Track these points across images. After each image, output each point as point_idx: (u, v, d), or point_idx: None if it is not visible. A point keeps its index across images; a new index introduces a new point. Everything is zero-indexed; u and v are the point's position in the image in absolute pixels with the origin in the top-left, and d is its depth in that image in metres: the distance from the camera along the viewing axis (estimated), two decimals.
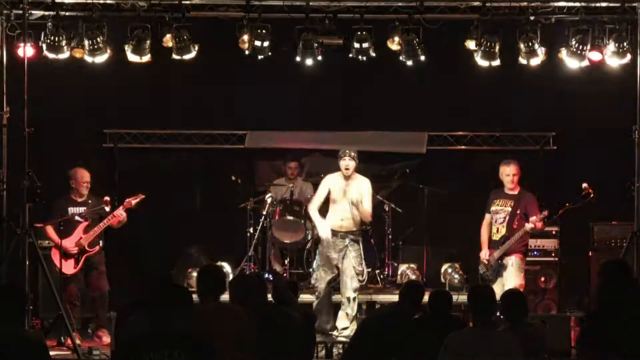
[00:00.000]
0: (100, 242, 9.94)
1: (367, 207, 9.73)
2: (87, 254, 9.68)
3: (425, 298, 7.27)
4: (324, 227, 9.79)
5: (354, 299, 9.72)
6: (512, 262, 9.57)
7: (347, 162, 9.72)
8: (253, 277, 7.48)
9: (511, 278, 9.51)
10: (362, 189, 9.76)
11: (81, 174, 9.91)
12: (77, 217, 9.76)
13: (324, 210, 10.01)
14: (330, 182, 9.91)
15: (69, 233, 9.71)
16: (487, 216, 9.84)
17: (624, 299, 5.66)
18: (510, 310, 6.60)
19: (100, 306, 9.69)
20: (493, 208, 9.77)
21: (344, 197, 9.73)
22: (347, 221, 9.73)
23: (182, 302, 5.24)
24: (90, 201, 9.91)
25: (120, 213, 9.76)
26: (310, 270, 10.30)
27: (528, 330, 6.51)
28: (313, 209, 9.98)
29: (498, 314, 6.78)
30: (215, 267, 6.68)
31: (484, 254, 9.71)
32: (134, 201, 9.85)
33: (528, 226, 9.47)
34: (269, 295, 7.09)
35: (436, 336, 6.23)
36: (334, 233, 9.75)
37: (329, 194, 9.88)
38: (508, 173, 9.71)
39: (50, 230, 9.72)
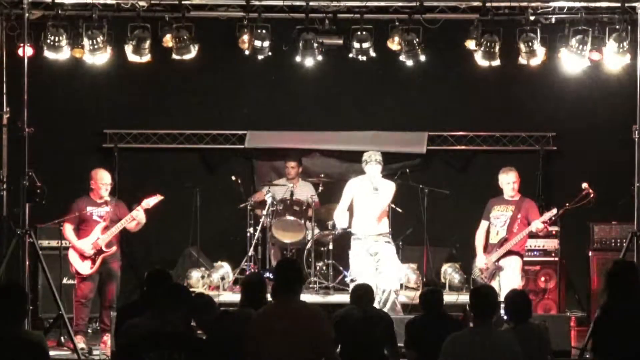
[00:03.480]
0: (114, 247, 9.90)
1: None
2: (104, 254, 9.65)
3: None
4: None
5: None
6: (511, 264, 9.58)
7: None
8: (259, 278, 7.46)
9: (510, 279, 9.51)
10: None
11: (101, 176, 9.78)
12: (95, 217, 9.74)
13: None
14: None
15: (87, 233, 9.70)
16: (484, 223, 9.83)
17: (634, 299, 5.67)
18: (514, 310, 6.60)
19: (106, 315, 9.66)
20: (493, 213, 9.77)
21: (371, 201, 9.65)
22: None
23: (181, 302, 5.24)
24: (110, 203, 9.83)
25: (137, 213, 9.74)
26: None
27: (531, 331, 6.52)
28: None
29: (502, 314, 6.80)
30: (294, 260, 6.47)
31: (481, 260, 9.70)
32: (151, 201, 9.80)
33: (533, 226, 9.47)
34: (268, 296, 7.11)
35: (433, 336, 6.24)
36: (365, 238, 9.69)
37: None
38: (508, 181, 9.72)
39: (68, 230, 9.70)
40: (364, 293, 7.49)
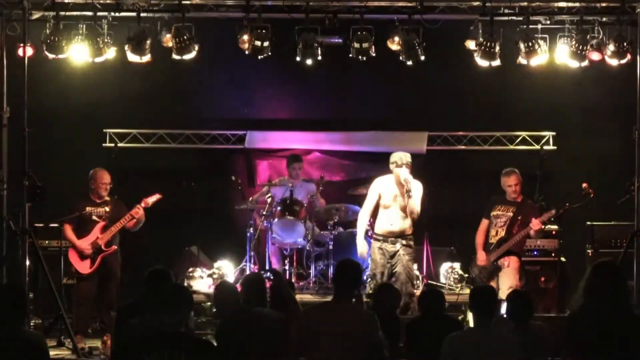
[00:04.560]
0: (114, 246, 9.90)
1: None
2: (103, 254, 9.67)
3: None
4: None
5: None
6: (509, 263, 9.57)
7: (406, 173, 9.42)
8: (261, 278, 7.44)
9: (508, 279, 9.50)
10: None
11: (101, 175, 9.84)
12: (94, 217, 9.75)
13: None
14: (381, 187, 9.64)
15: (86, 233, 9.72)
16: (485, 221, 9.83)
17: (608, 300, 5.64)
18: (515, 311, 6.60)
19: (106, 315, 9.67)
20: (494, 213, 9.77)
21: (396, 202, 9.59)
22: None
23: (181, 302, 5.24)
24: (110, 202, 9.85)
25: (137, 211, 9.76)
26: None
27: (532, 332, 6.51)
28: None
29: (504, 315, 6.79)
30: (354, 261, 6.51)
31: (481, 257, 9.71)
32: (150, 200, 9.83)
33: (532, 225, 9.46)
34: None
35: (433, 336, 6.24)
36: (384, 239, 9.59)
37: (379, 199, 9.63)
38: (510, 184, 9.71)
39: (68, 230, 9.72)
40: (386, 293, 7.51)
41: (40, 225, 10.21)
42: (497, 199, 9.85)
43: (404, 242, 9.51)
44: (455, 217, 11.19)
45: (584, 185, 9.48)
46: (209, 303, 10.21)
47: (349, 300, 6.00)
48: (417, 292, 9.66)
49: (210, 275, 10.92)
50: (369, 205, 9.63)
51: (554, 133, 11.74)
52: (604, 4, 9.49)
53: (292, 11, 9.57)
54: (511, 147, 11.80)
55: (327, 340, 5.74)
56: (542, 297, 10.72)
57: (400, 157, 9.49)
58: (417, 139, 11.90)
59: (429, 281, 11.10)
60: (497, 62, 9.63)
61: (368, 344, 5.80)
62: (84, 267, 9.67)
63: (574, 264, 10.99)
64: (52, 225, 10.17)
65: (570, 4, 9.53)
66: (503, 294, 8.76)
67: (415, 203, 9.44)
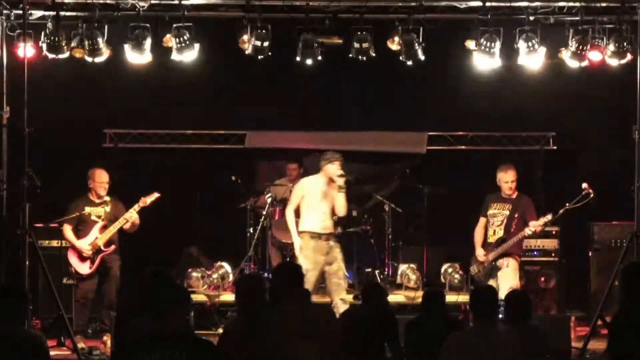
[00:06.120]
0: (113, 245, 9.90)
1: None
2: (102, 254, 9.67)
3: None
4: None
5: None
6: (508, 264, 9.57)
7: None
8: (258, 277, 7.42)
9: (507, 279, 9.50)
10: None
11: (99, 174, 9.87)
12: (93, 217, 9.75)
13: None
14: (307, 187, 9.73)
15: (85, 233, 9.71)
16: (482, 219, 9.83)
17: None
18: (513, 311, 6.60)
19: (106, 315, 9.66)
20: (490, 212, 9.76)
21: (325, 200, 9.62)
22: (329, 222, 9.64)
23: (181, 302, 5.24)
24: (109, 203, 9.84)
25: (131, 215, 9.74)
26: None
27: (530, 331, 6.51)
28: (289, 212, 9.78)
29: (502, 315, 6.80)
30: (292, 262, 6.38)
31: (480, 253, 9.70)
32: (148, 200, 9.83)
33: (528, 230, 9.47)
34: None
35: (434, 336, 6.24)
36: (318, 236, 9.66)
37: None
38: (507, 180, 9.68)
39: (67, 230, 9.72)
40: (374, 291, 7.51)
41: (40, 225, 10.21)
42: (493, 196, 9.84)
43: (335, 239, 9.60)
44: (455, 217, 11.18)
45: (584, 185, 9.48)
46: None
47: (300, 301, 5.95)
48: (419, 292, 9.70)
49: (210, 276, 10.91)
50: (293, 205, 9.68)
51: (554, 133, 11.75)
52: (604, 4, 9.49)
53: (292, 11, 9.57)
54: (511, 147, 11.80)
55: (296, 343, 5.73)
56: (542, 297, 10.73)
57: (332, 154, 9.68)
58: (417, 139, 11.91)
59: (429, 281, 11.12)
60: (497, 62, 9.63)
61: (331, 340, 5.81)
62: (83, 268, 9.68)
63: (574, 264, 11.00)
64: (52, 225, 10.17)
65: (570, 4, 9.52)
66: (503, 294, 8.73)
67: (344, 202, 9.53)
